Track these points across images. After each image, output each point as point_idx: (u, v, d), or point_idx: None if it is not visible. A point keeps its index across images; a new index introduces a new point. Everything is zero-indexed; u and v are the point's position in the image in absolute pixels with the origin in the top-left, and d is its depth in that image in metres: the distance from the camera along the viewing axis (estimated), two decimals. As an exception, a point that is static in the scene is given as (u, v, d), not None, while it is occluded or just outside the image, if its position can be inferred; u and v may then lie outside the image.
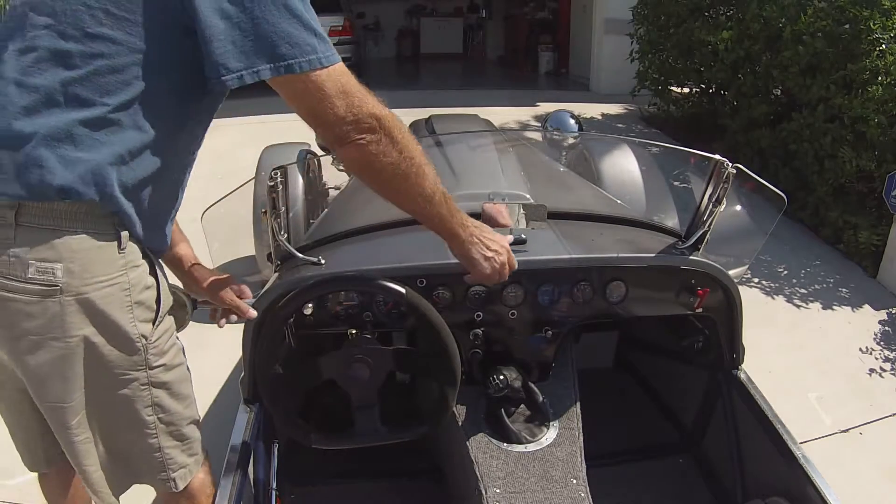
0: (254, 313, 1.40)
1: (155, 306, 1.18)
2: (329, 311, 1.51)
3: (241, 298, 1.42)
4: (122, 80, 1.06)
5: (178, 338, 1.29)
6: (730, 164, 1.45)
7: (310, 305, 1.50)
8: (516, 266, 1.38)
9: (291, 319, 1.44)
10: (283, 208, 1.47)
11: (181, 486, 1.32)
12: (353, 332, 1.49)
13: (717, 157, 1.48)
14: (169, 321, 1.25)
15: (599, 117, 6.75)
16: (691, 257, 1.57)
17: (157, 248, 1.22)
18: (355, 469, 1.88)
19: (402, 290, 1.34)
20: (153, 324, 1.18)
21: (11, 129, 1.02)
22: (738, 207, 1.79)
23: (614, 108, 7.11)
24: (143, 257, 1.17)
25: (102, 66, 1.04)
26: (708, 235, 1.57)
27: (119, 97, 1.06)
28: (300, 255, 1.49)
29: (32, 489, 1.60)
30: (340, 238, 1.65)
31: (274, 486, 1.57)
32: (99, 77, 1.04)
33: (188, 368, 1.32)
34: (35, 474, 1.49)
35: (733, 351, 1.71)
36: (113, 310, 1.11)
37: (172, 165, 1.19)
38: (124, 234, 1.11)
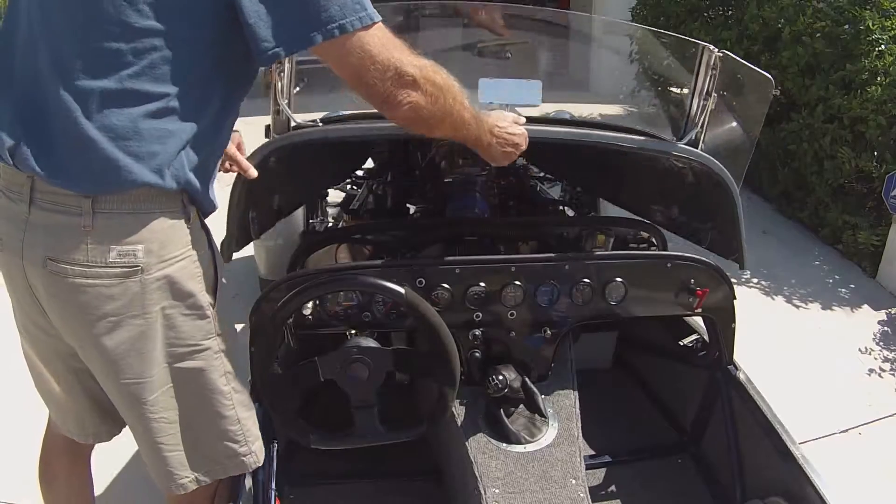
0: (255, 173, 1.42)
1: (214, 275, 1.23)
2: (328, 311, 1.51)
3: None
4: (176, 68, 1.06)
5: None
6: (716, 50, 1.45)
7: (309, 306, 1.50)
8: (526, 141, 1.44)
9: (290, 319, 1.44)
10: (289, 77, 1.45)
11: (261, 459, 1.35)
12: (353, 332, 1.49)
13: (703, 43, 1.48)
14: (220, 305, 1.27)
15: (599, 118, 6.75)
16: (688, 147, 1.55)
17: (209, 210, 1.24)
18: (355, 469, 1.87)
19: (402, 291, 1.34)
20: (214, 292, 1.22)
21: (77, 131, 1.03)
22: (728, 110, 1.74)
23: (614, 109, 7.11)
24: (202, 228, 1.21)
25: (156, 58, 1.04)
26: (703, 134, 1.55)
27: (176, 85, 1.06)
28: (297, 119, 1.49)
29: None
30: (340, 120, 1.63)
31: (273, 486, 1.57)
32: (154, 70, 1.04)
33: None
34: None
35: (732, 346, 1.71)
36: (186, 282, 1.15)
37: (223, 137, 1.22)
38: (192, 210, 1.16)
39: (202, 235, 1.21)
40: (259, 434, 1.35)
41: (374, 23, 1.08)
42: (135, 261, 1.08)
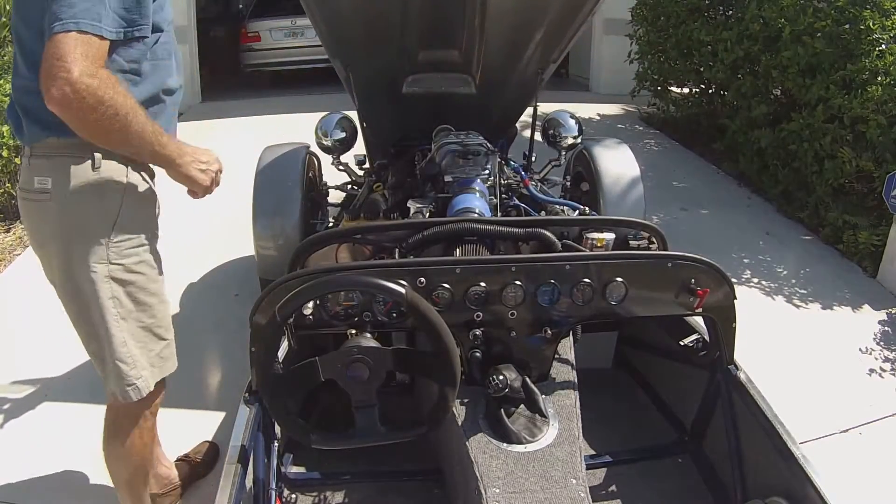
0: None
1: (116, 214, 1.52)
2: (329, 311, 1.51)
3: None
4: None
5: (154, 262, 1.63)
6: None
7: (309, 305, 1.50)
8: (222, 166, 1.65)
9: (291, 319, 1.44)
10: None
11: (134, 398, 1.62)
12: (353, 332, 1.49)
13: None
14: (139, 241, 1.58)
15: (599, 118, 6.75)
16: None
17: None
18: (355, 469, 1.87)
19: (402, 290, 1.34)
20: (112, 226, 1.52)
21: (19, 107, 1.50)
22: None
23: (614, 109, 7.11)
24: (123, 177, 1.52)
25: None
26: None
27: None
28: None
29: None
30: None
31: (273, 486, 1.57)
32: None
33: (162, 293, 1.66)
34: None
35: (732, 346, 1.71)
36: (85, 211, 1.49)
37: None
38: (97, 154, 1.48)
39: (114, 182, 1.51)
40: (141, 373, 1.60)
41: (72, 31, 1.29)
42: (47, 188, 1.48)
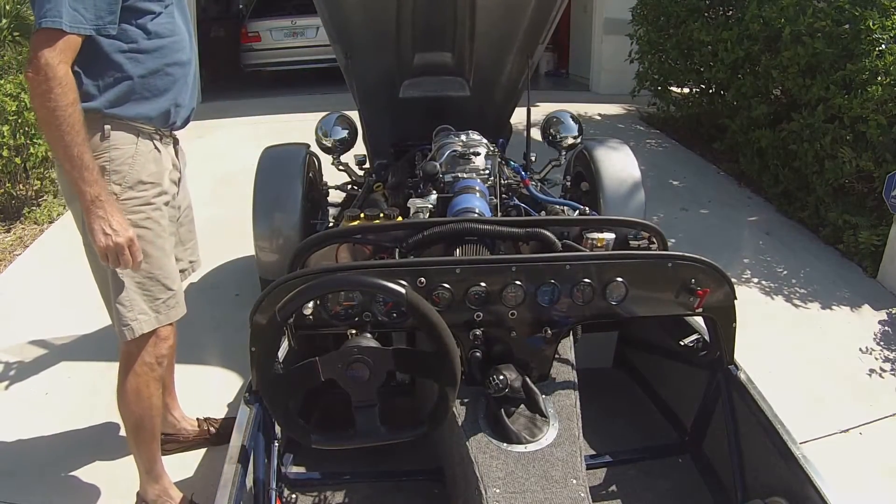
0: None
1: (124, 176, 1.69)
2: (329, 311, 1.51)
3: None
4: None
5: (160, 220, 1.77)
6: None
7: (310, 305, 1.50)
8: (132, 263, 1.66)
9: (291, 319, 1.44)
10: None
11: (128, 337, 1.77)
12: (353, 332, 1.49)
13: None
14: (146, 199, 1.73)
15: (599, 118, 6.75)
16: None
17: (155, 119, 1.74)
18: (355, 469, 1.88)
19: (402, 290, 1.34)
20: (121, 186, 1.69)
21: None
22: None
23: (614, 109, 7.11)
24: (131, 144, 1.70)
25: None
26: None
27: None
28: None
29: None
30: None
31: (274, 486, 1.58)
32: None
33: (168, 248, 1.82)
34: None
35: (732, 346, 1.71)
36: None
37: (125, 68, 1.66)
38: (107, 126, 1.67)
39: (124, 148, 1.69)
40: (145, 316, 1.76)
41: (48, 28, 1.50)
42: None
